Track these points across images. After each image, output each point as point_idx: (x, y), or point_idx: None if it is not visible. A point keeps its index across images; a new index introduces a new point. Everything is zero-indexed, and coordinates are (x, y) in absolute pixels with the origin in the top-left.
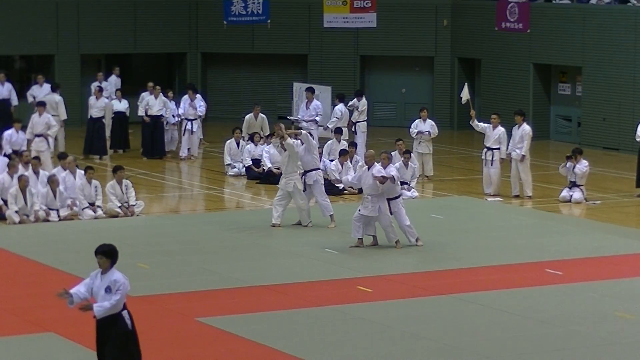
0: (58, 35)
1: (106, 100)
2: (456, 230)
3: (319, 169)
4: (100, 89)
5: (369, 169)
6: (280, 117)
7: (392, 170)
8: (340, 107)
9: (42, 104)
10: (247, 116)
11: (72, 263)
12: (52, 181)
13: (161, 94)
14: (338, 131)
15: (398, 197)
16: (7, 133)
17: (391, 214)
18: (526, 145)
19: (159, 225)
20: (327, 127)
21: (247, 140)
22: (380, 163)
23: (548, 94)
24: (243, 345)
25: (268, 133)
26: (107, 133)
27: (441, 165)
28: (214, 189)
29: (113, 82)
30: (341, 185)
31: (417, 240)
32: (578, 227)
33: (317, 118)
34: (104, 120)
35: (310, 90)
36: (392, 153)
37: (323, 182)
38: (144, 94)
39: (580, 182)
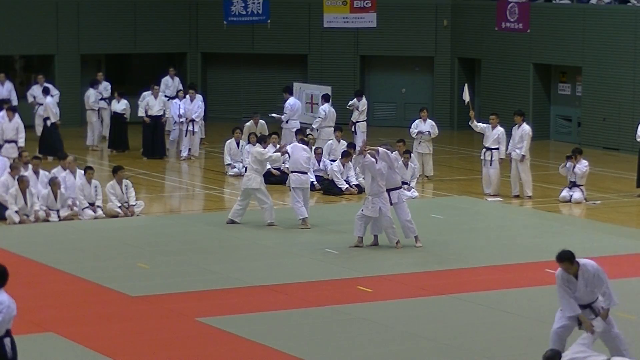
0: (58, 35)
1: (50, 100)
2: (456, 230)
3: (302, 172)
4: (45, 89)
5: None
6: (269, 115)
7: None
8: (324, 107)
9: (12, 109)
10: (247, 124)
11: (72, 263)
12: (54, 184)
13: (161, 93)
14: (338, 129)
15: (398, 188)
16: None
17: (391, 204)
18: (526, 145)
19: (159, 225)
20: (312, 127)
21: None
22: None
23: (548, 94)
24: (243, 345)
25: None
26: (40, 132)
27: (441, 165)
28: (214, 189)
29: (166, 83)
30: (343, 186)
31: (415, 239)
32: (578, 227)
33: (283, 117)
34: (47, 121)
35: (285, 90)
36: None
37: (298, 186)
38: (145, 93)
39: (580, 182)
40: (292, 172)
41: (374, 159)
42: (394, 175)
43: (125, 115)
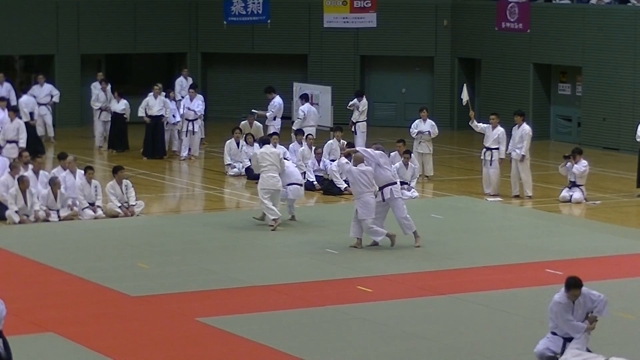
0: (58, 35)
1: (23, 98)
2: (456, 230)
3: (299, 184)
4: (24, 90)
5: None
6: (251, 111)
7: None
8: (304, 107)
9: (13, 109)
10: (242, 123)
11: (72, 263)
12: (54, 184)
13: (162, 93)
14: (338, 129)
15: (392, 184)
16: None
17: (384, 200)
18: (526, 145)
19: (159, 225)
20: (292, 128)
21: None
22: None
23: (548, 94)
24: (243, 345)
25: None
26: (40, 132)
27: (441, 165)
28: (214, 189)
29: (181, 83)
30: (342, 186)
31: (415, 237)
32: (578, 227)
33: (267, 114)
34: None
35: (268, 90)
36: (392, 153)
37: (294, 197)
38: (151, 94)
39: (580, 182)
40: (290, 184)
41: (346, 160)
42: (383, 172)
43: (125, 115)
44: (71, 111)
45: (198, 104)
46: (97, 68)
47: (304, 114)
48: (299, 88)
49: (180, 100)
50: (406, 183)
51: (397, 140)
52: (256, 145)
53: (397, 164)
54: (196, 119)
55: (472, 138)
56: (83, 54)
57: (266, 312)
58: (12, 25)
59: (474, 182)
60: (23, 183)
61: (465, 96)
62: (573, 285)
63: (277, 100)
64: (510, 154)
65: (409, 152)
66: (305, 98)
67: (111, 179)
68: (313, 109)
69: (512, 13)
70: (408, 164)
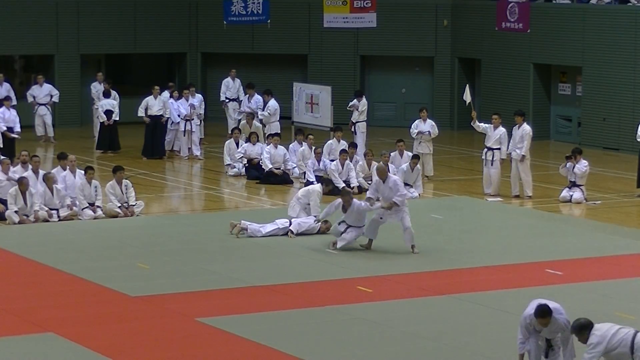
0: (58, 35)
1: None
2: (456, 230)
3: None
4: None
5: (383, 182)
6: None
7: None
8: (273, 102)
9: None
10: (241, 123)
11: (72, 263)
12: (48, 179)
13: (162, 93)
14: (338, 129)
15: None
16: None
17: (381, 218)
18: (526, 145)
19: (159, 225)
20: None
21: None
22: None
23: (548, 94)
24: (243, 345)
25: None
26: (40, 131)
27: (441, 165)
28: (214, 189)
29: (227, 84)
30: (340, 185)
31: (412, 246)
32: (578, 227)
33: (259, 111)
34: None
35: (250, 86)
36: (392, 153)
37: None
38: (164, 93)
39: (580, 182)
40: None
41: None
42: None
43: (97, 116)
44: (71, 111)
45: (196, 101)
46: (97, 68)
47: (276, 109)
48: (299, 88)
49: (225, 100)
50: (409, 185)
51: (397, 140)
52: (258, 144)
53: (403, 166)
54: (192, 119)
55: (472, 138)
56: (83, 54)
57: (266, 312)
58: (12, 25)
59: (474, 182)
60: (23, 184)
61: (467, 97)
62: (540, 314)
63: (260, 97)
64: (510, 154)
65: (417, 156)
66: (269, 93)
67: (111, 179)
68: (276, 105)
69: (512, 13)
70: (414, 169)
